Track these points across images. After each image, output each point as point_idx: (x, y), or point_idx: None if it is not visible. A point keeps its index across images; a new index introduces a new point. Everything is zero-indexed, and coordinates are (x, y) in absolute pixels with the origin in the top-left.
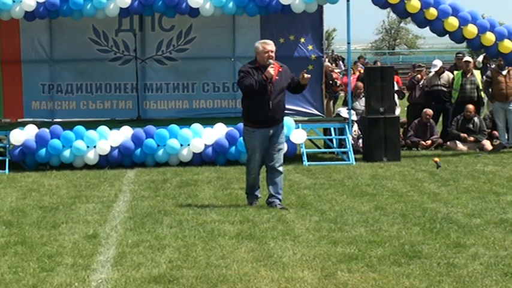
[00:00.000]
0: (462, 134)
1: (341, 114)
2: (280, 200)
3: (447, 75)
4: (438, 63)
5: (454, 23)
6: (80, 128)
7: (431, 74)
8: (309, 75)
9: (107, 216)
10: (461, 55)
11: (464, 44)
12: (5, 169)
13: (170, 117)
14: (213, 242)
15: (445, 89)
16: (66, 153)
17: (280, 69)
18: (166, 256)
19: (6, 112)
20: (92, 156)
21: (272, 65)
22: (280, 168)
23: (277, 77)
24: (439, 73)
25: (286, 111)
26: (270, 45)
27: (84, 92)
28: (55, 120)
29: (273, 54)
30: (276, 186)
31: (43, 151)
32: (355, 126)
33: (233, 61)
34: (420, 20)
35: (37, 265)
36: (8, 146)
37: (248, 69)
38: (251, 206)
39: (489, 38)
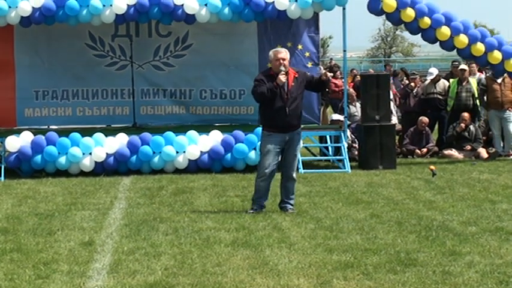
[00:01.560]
0: (458, 128)
1: (333, 118)
2: (292, 205)
3: (443, 83)
4: (434, 71)
5: (446, 32)
6: (75, 135)
7: (427, 82)
8: (329, 76)
9: (103, 224)
10: (457, 63)
11: None
12: (0, 176)
13: (166, 124)
14: (209, 249)
15: (440, 97)
16: (62, 159)
17: (295, 75)
18: (162, 263)
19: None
20: (87, 163)
21: (283, 72)
22: (294, 176)
23: (292, 84)
24: (434, 81)
25: None
26: (282, 53)
27: (80, 98)
28: (50, 127)
29: (285, 62)
30: (288, 192)
31: (39, 158)
32: (348, 133)
33: (230, 68)
34: (414, 28)
35: (33, 272)
36: (3, 153)
37: (262, 78)
38: (246, 213)
39: (479, 48)
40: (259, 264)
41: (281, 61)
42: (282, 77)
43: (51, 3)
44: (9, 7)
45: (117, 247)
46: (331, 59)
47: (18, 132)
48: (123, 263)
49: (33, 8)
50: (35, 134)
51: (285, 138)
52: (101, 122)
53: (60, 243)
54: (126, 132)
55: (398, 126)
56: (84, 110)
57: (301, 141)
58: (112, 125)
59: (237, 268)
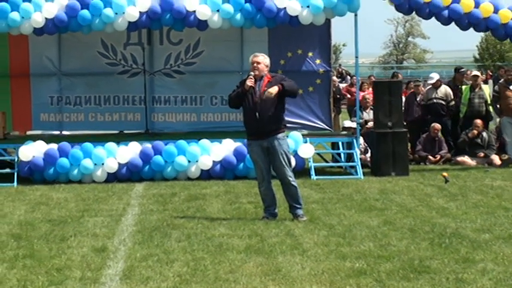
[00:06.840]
0: (471, 134)
1: (345, 125)
2: (301, 210)
3: (444, 89)
4: (435, 76)
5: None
6: (87, 145)
7: (428, 87)
8: (270, 93)
9: (116, 230)
10: (463, 70)
11: (470, 59)
12: (13, 182)
13: (178, 130)
14: (222, 256)
15: (442, 102)
16: (74, 171)
17: (270, 80)
18: (174, 270)
19: (15, 125)
20: (100, 174)
21: (251, 77)
22: (291, 180)
23: (265, 88)
24: (436, 86)
25: (293, 125)
26: (257, 57)
27: (92, 104)
28: (63, 132)
29: (260, 66)
30: (293, 197)
31: (51, 170)
32: (361, 140)
33: (241, 75)
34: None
35: (46, 278)
36: (16, 159)
37: (240, 82)
38: (260, 220)
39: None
40: (272, 271)
41: (254, 65)
42: (248, 82)
43: (64, 14)
44: (22, 18)
45: (129, 253)
46: (339, 64)
47: (31, 138)
48: (136, 269)
49: (46, 19)
50: (47, 142)
51: (263, 144)
52: (113, 128)
53: (73, 250)
54: (138, 139)
55: None
56: (96, 116)
57: (287, 145)
58: (124, 131)
59: (249, 275)
